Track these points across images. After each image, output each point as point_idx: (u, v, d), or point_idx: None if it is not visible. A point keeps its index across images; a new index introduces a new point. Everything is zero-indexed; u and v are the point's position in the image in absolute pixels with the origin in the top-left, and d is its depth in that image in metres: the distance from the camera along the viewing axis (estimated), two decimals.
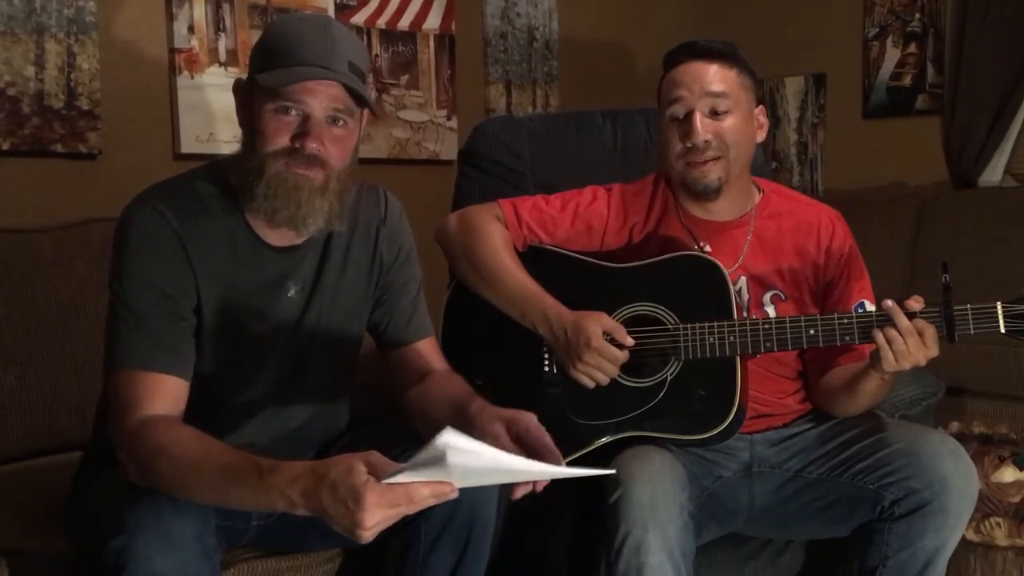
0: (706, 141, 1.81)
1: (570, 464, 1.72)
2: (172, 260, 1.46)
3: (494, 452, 1.16)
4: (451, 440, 1.10)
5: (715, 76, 1.82)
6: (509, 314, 1.86)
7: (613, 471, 1.31)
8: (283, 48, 1.44)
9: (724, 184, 1.85)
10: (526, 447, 1.37)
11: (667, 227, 1.91)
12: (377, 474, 1.19)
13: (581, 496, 1.81)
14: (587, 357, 1.76)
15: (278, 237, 1.53)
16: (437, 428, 1.52)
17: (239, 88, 1.52)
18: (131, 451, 1.39)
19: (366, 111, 1.53)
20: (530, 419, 1.40)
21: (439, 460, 1.11)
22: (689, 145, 1.82)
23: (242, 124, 1.52)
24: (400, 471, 1.16)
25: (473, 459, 1.14)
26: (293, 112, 1.44)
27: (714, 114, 1.82)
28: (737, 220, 1.91)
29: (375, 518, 1.17)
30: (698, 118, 1.81)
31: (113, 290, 1.47)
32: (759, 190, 1.95)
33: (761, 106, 1.92)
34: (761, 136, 1.92)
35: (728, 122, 1.82)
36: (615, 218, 1.94)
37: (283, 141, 1.45)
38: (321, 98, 1.44)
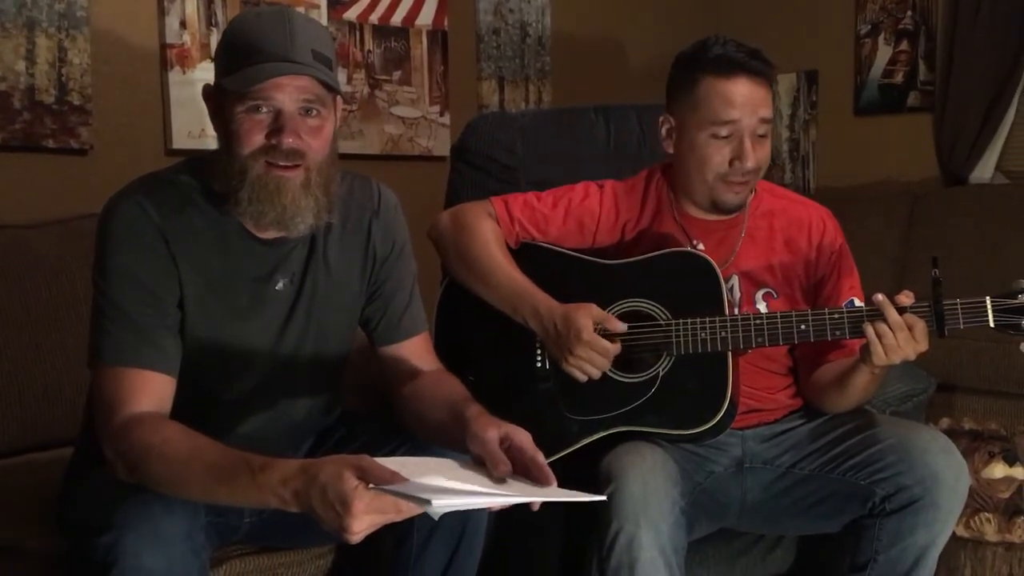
0: (755, 167, 1.81)
1: (560, 458, 1.73)
2: (154, 254, 1.45)
3: (479, 499, 1.24)
4: (441, 505, 1.15)
5: (766, 100, 1.80)
6: (501, 309, 1.86)
7: (603, 497, 1.30)
8: (244, 47, 1.42)
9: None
10: (518, 465, 1.35)
11: (660, 224, 1.91)
12: (367, 478, 1.19)
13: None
14: (578, 350, 1.76)
15: (266, 230, 1.52)
16: (432, 430, 1.53)
17: (208, 94, 1.50)
18: (119, 450, 1.38)
19: (339, 98, 1.51)
20: (525, 437, 1.37)
21: (425, 504, 1.15)
22: (736, 168, 1.81)
23: (217, 129, 1.49)
24: (388, 491, 1.18)
25: (459, 502, 1.20)
26: (264, 110, 1.42)
27: (758, 137, 1.81)
28: (731, 219, 1.91)
29: (362, 524, 1.19)
30: (749, 144, 1.79)
31: (96, 285, 1.47)
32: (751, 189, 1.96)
33: None
34: None
35: (766, 147, 1.83)
36: (607, 215, 1.94)
37: (258, 140, 1.43)
38: (290, 91, 1.42)
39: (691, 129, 1.82)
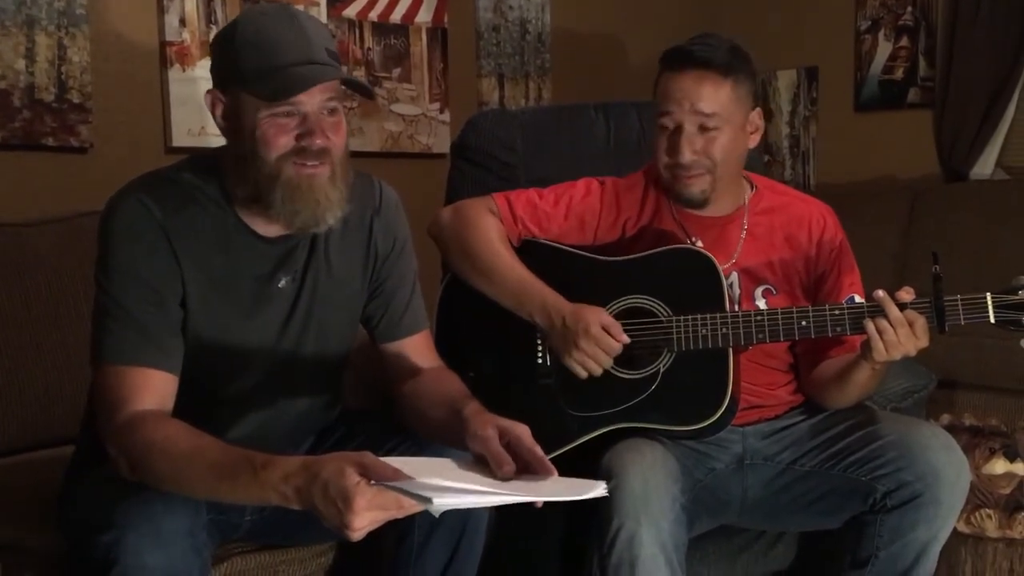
0: (692, 160, 1.80)
1: (560, 455, 1.73)
2: (156, 252, 1.45)
3: (480, 497, 1.24)
4: (442, 503, 1.15)
5: (707, 93, 1.77)
6: (503, 304, 1.86)
7: (605, 494, 1.31)
8: (260, 52, 1.41)
9: (710, 195, 1.85)
10: (517, 459, 1.36)
11: (660, 222, 1.91)
12: (369, 475, 1.19)
13: None
14: (583, 344, 1.76)
15: (269, 227, 1.52)
16: (432, 428, 1.54)
17: (216, 100, 1.48)
18: (122, 448, 1.38)
19: (345, 90, 1.51)
20: (524, 431, 1.38)
21: (426, 502, 1.15)
22: (674, 161, 1.82)
23: (229, 132, 1.48)
24: (389, 488, 1.18)
25: (460, 500, 1.21)
26: (290, 113, 1.43)
27: (703, 130, 1.80)
28: (729, 216, 1.91)
29: (364, 521, 1.19)
30: (685, 138, 1.79)
31: (99, 283, 1.47)
32: (751, 186, 1.95)
33: (758, 109, 1.88)
34: (755, 141, 1.90)
35: (717, 140, 1.80)
36: (608, 213, 1.94)
37: (286, 143, 1.43)
38: (313, 93, 1.42)
39: (654, 122, 1.86)
